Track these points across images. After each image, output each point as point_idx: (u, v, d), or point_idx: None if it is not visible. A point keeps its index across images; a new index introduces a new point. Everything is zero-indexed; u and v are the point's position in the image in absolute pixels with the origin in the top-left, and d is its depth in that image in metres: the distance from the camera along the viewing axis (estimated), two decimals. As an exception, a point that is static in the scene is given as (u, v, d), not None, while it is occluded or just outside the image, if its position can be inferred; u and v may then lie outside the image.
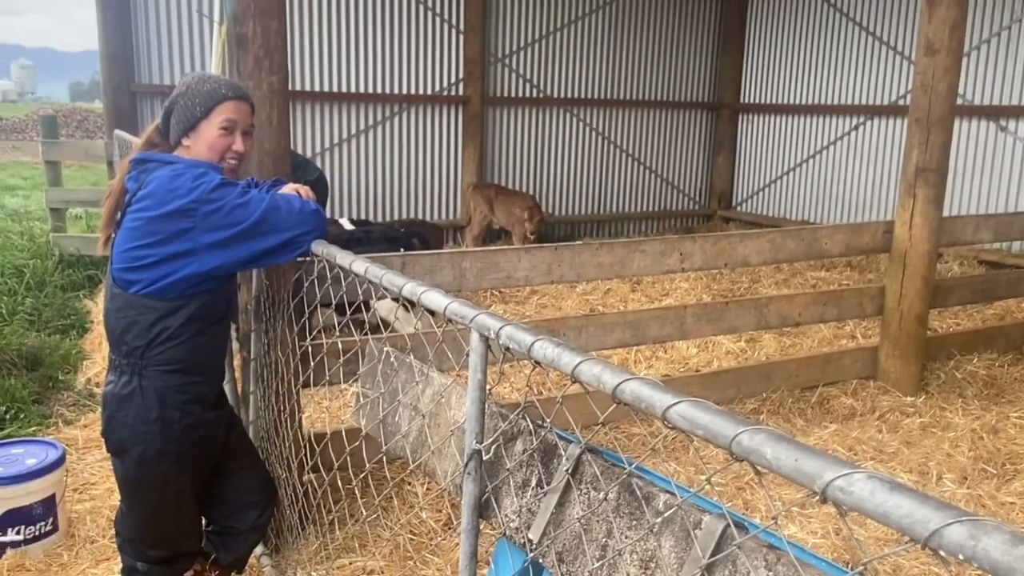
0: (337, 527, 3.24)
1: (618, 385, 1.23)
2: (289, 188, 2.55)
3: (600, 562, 1.39)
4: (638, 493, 1.34)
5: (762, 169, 11.09)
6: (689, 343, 5.76)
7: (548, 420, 1.58)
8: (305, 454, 2.78)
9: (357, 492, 3.08)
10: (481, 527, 1.76)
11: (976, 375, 5.32)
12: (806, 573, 1.06)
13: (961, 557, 0.78)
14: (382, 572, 3.08)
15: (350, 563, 3.12)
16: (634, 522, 1.36)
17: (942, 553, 0.81)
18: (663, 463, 4.20)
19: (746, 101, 11.19)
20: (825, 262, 8.42)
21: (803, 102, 10.44)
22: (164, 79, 8.13)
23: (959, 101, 6.98)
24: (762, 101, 10.98)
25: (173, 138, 2.41)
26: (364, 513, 3.32)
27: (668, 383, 1.28)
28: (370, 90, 9.07)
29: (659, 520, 1.27)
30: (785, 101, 10.68)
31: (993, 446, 4.35)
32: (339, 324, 5.00)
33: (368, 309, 5.16)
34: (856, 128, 9.84)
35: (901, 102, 9.22)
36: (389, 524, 3.41)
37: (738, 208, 11.42)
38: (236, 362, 3.51)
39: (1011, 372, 5.41)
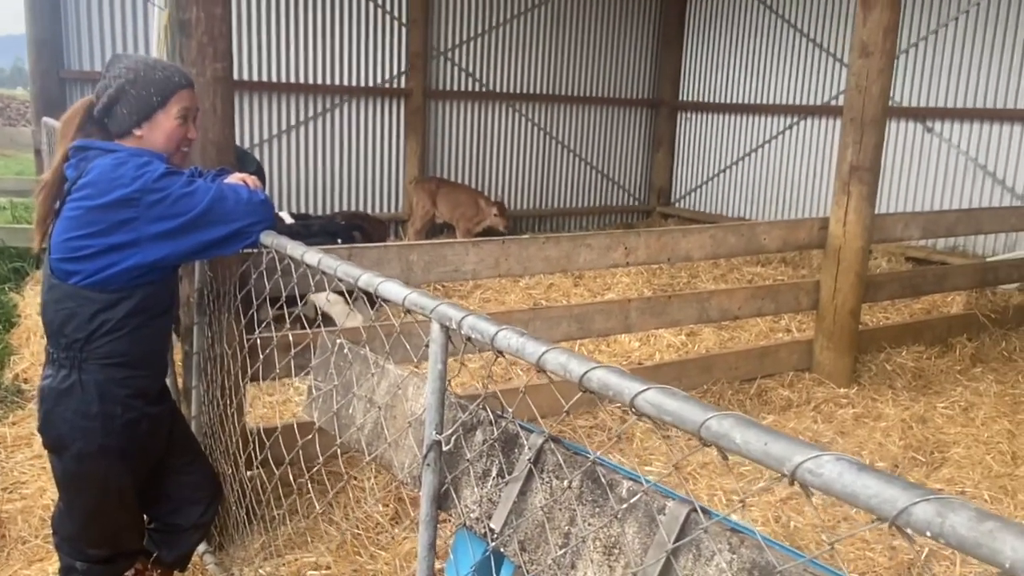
0: (288, 523, 3.19)
1: (585, 373, 1.24)
2: (235, 178, 2.50)
3: (563, 550, 1.40)
4: (602, 481, 1.36)
5: (700, 166, 11.29)
6: (632, 337, 5.83)
7: (510, 411, 1.58)
8: (254, 448, 2.73)
9: (310, 487, 3.04)
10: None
11: (905, 367, 5.52)
12: (771, 554, 1.09)
13: (928, 534, 0.81)
14: (329, 568, 3.05)
15: (296, 559, 3.08)
16: (597, 509, 1.37)
17: (909, 531, 0.84)
18: (607, 454, 4.25)
19: (685, 99, 11.37)
20: (760, 258, 8.63)
21: (740, 101, 10.66)
22: (95, 65, 7.86)
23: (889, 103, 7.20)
24: (700, 99, 11.18)
25: (122, 127, 2.31)
26: (312, 508, 3.28)
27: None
28: (310, 81, 8.93)
29: (624, 507, 1.29)
30: (723, 100, 10.89)
31: (922, 435, 4.52)
32: (272, 317, 4.91)
33: (301, 302, 5.07)
34: (790, 127, 10.10)
35: (833, 103, 9.49)
36: (336, 520, 3.38)
37: (676, 204, 11.61)
38: (176, 355, 3.43)
39: (937, 364, 5.62)
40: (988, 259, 7.27)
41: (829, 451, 0.90)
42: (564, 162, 10.88)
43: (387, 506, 3.49)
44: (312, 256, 2.15)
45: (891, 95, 8.49)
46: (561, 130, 10.76)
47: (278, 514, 3.10)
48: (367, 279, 1.86)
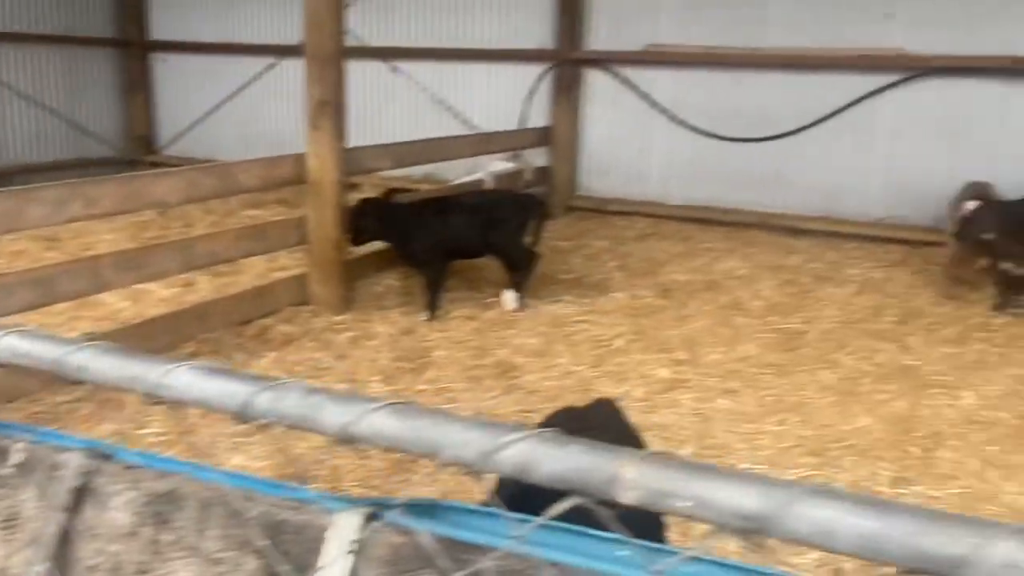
0: None
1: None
2: None
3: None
4: (-11, 449, 1.19)
5: (184, 110, 10.71)
6: (118, 296, 5.37)
7: None
8: None
9: None
10: None
11: (393, 287, 5.99)
12: (173, 480, 1.06)
13: (273, 419, 0.84)
14: None
15: None
16: (-9, 484, 1.21)
17: (262, 421, 0.87)
18: (97, 425, 3.91)
19: (155, 38, 10.60)
20: (258, 200, 8.54)
21: (216, 40, 10.29)
22: None
23: (354, 42, 7.58)
24: (175, 39, 10.53)
25: None
26: None
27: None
28: None
29: (10, 470, 1.15)
30: (198, 39, 10.39)
31: (409, 346, 4.97)
32: None
33: None
34: (271, 67, 10.06)
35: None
36: None
37: (164, 152, 10.90)
38: None
39: (420, 281, 6.20)
40: (454, 183, 8.17)
41: (182, 363, 0.89)
42: (18, 111, 9.43)
43: None
44: None
45: (358, 35, 8.94)
46: (11, 74, 9.27)
47: None
48: None
